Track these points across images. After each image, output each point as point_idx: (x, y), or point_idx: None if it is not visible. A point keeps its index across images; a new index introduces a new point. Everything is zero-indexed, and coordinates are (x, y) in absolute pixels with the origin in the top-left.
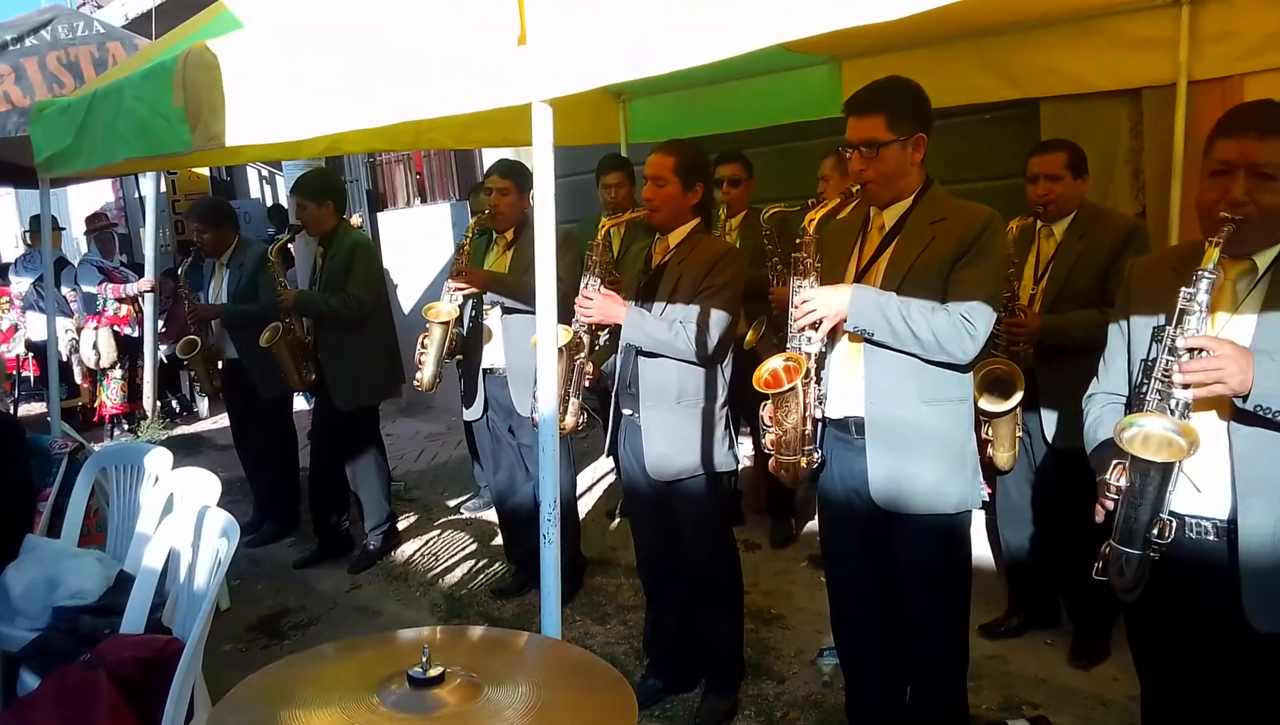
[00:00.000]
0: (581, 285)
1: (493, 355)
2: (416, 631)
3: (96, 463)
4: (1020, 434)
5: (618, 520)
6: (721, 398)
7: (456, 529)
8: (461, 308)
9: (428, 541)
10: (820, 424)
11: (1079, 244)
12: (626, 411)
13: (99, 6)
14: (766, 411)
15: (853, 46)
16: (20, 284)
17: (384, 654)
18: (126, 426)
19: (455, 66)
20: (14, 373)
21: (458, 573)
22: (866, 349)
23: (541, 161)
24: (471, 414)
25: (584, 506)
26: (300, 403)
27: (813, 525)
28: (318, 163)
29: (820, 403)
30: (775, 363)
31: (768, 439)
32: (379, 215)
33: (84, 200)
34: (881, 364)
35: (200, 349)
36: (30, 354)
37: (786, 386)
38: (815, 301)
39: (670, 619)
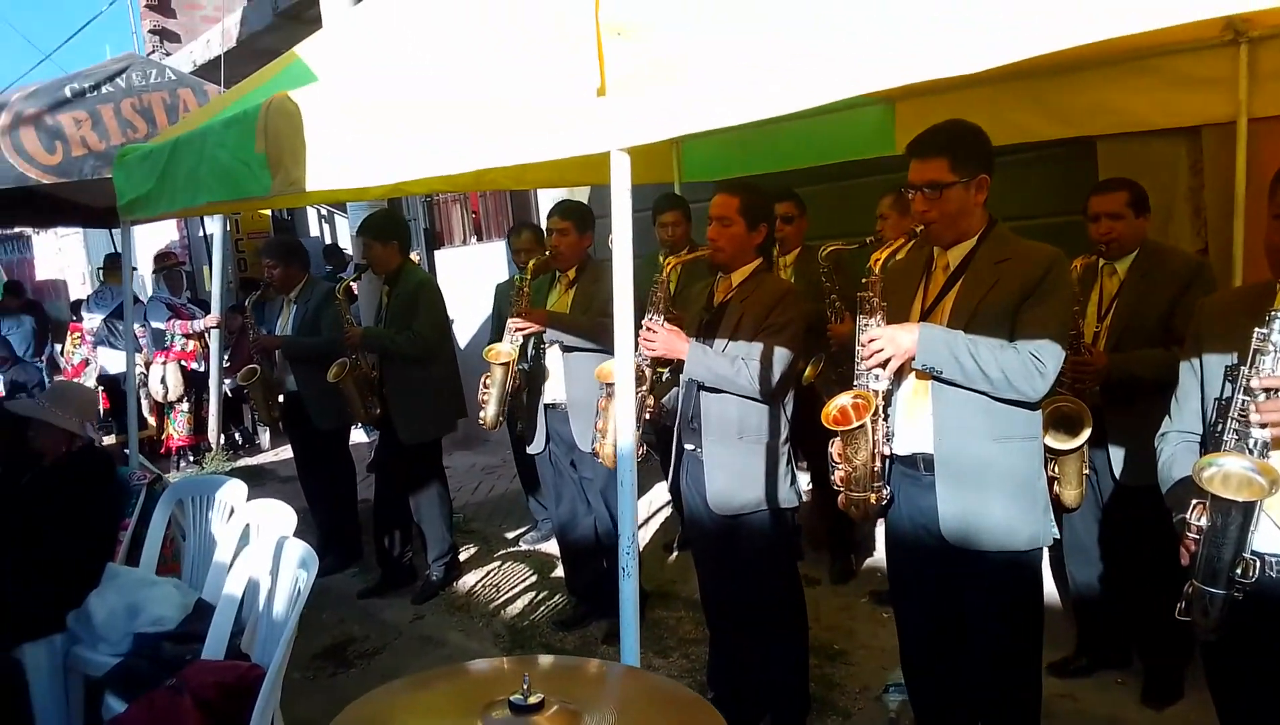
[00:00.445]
0: (645, 319)
1: (554, 390)
2: (493, 661)
3: (174, 494)
4: (1087, 471)
5: (676, 553)
6: (784, 433)
7: (516, 561)
8: (524, 346)
9: (489, 573)
10: (888, 460)
11: (1142, 282)
12: (689, 446)
13: (168, 54)
14: (835, 448)
15: (906, 87)
16: (92, 320)
17: (472, 683)
18: (192, 458)
19: (536, 116)
20: None
21: (519, 604)
22: (934, 386)
23: (619, 207)
24: (534, 448)
25: (641, 538)
26: (359, 435)
27: (872, 561)
28: (380, 204)
29: (888, 440)
30: (844, 400)
31: (836, 475)
32: (436, 253)
33: (150, 239)
34: (950, 401)
35: (260, 377)
36: (101, 388)
37: (855, 424)
38: (883, 340)
39: (734, 654)
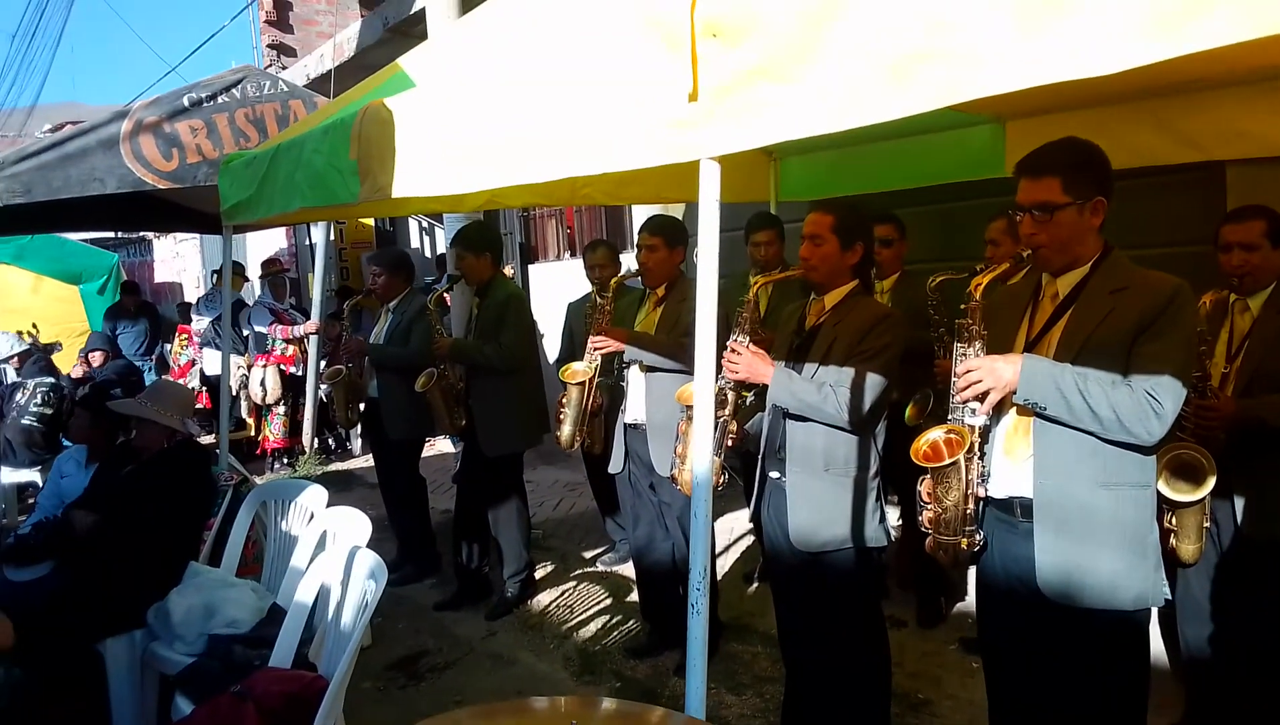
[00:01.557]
0: (730, 341)
1: (635, 410)
2: (556, 702)
3: (258, 496)
4: (1207, 524)
5: (756, 584)
6: (873, 467)
7: (592, 582)
8: (609, 365)
9: (563, 592)
10: (982, 503)
11: (1278, 320)
12: (773, 474)
13: (284, 68)
14: (925, 486)
15: (1018, 106)
16: (200, 322)
17: (530, 720)
18: (286, 460)
19: (625, 123)
20: None
21: (592, 627)
22: (1036, 424)
23: (707, 218)
24: (613, 467)
25: (721, 566)
26: (445, 445)
27: (964, 605)
28: (476, 216)
29: (983, 480)
30: (936, 434)
31: (925, 516)
32: (531, 267)
33: (261, 246)
34: (1053, 441)
35: (344, 378)
36: (204, 387)
37: (948, 461)
38: (981, 371)
39: (812, 697)
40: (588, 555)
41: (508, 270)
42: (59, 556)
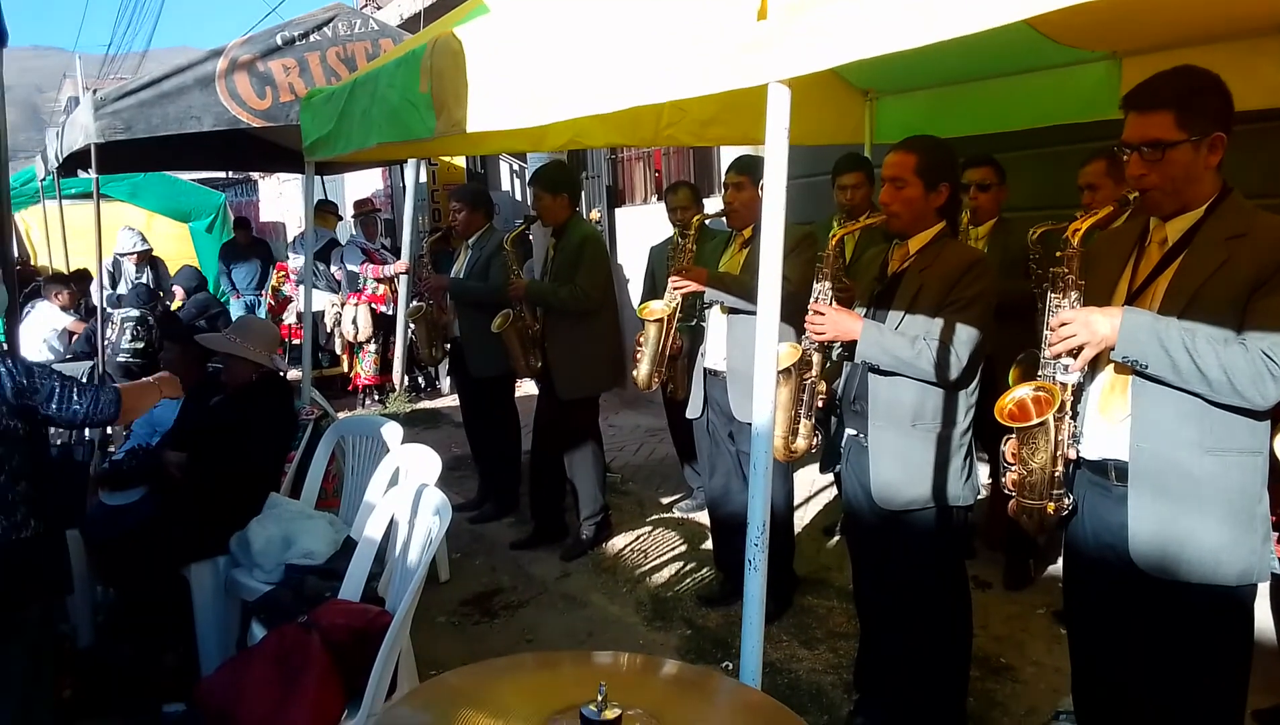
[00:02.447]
0: (811, 298)
1: (715, 356)
2: (611, 657)
3: (336, 431)
4: None
5: (836, 538)
6: (964, 423)
7: (668, 528)
8: (690, 307)
9: (639, 537)
10: (1073, 465)
11: None
12: (851, 431)
13: (379, 7)
14: (1009, 447)
15: (1137, 40)
16: (298, 260)
17: (574, 675)
18: (377, 397)
19: (690, 46)
20: (285, 339)
21: (665, 573)
22: (1135, 382)
23: (774, 149)
24: (692, 412)
25: (801, 519)
26: (530, 387)
27: (1055, 568)
28: (561, 156)
29: (1075, 441)
30: (1023, 392)
31: (1008, 478)
32: (618, 211)
33: (358, 187)
34: (1154, 401)
35: (424, 314)
36: (299, 324)
37: (1035, 421)
38: (1076, 324)
39: (887, 656)
40: (665, 501)
41: (594, 214)
42: (150, 483)
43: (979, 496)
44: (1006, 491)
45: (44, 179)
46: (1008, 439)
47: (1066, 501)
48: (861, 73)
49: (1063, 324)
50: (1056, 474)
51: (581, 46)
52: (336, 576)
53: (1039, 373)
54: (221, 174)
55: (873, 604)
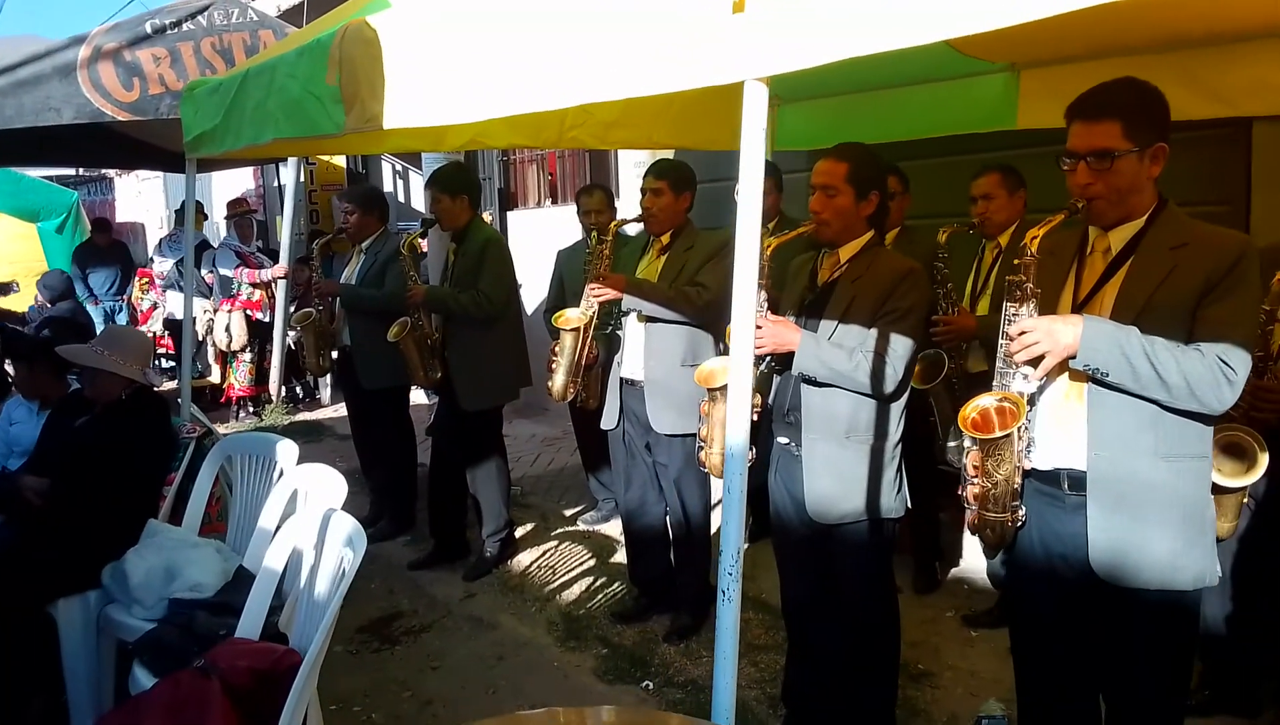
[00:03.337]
0: None
1: (632, 365)
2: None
3: (223, 450)
4: (1246, 500)
5: (745, 545)
6: (895, 435)
7: (574, 542)
8: (605, 315)
9: (545, 553)
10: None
11: None
12: (782, 439)
13: None
14: (971, 458)
15: (1036, 52)
16: (163, 264)
17: None
18: (252, 409)
19: (656, 39)
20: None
21: (575, 589)
22: (1091, 391)
23: (751, 152)
24: (607, 423)
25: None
26: (419, 396)
27: (957, 570)
28: (457, 156)
29: (1027, 451)
30: (986, 401)
31: (970, 492)
32: (509, 214)
33: (227, 186)
34: (1111, 409)
35: (313, 322)
36: (167, 332)
37: (1000, 433)
38: (1038, 332)
39: (817, 670)
40: (568, 513)
41: (485, 216)
42: (7, 511)
43: (909, 510)
44: (967, 505)
45: None
46: (969, 450)
47: (1021, 513)
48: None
49: (1023, 333)
50: (1017, 486)
51: (528, 36)
52: (230, 611)
53: (996, 382)
54: (72, 171)
55: (803, 618)
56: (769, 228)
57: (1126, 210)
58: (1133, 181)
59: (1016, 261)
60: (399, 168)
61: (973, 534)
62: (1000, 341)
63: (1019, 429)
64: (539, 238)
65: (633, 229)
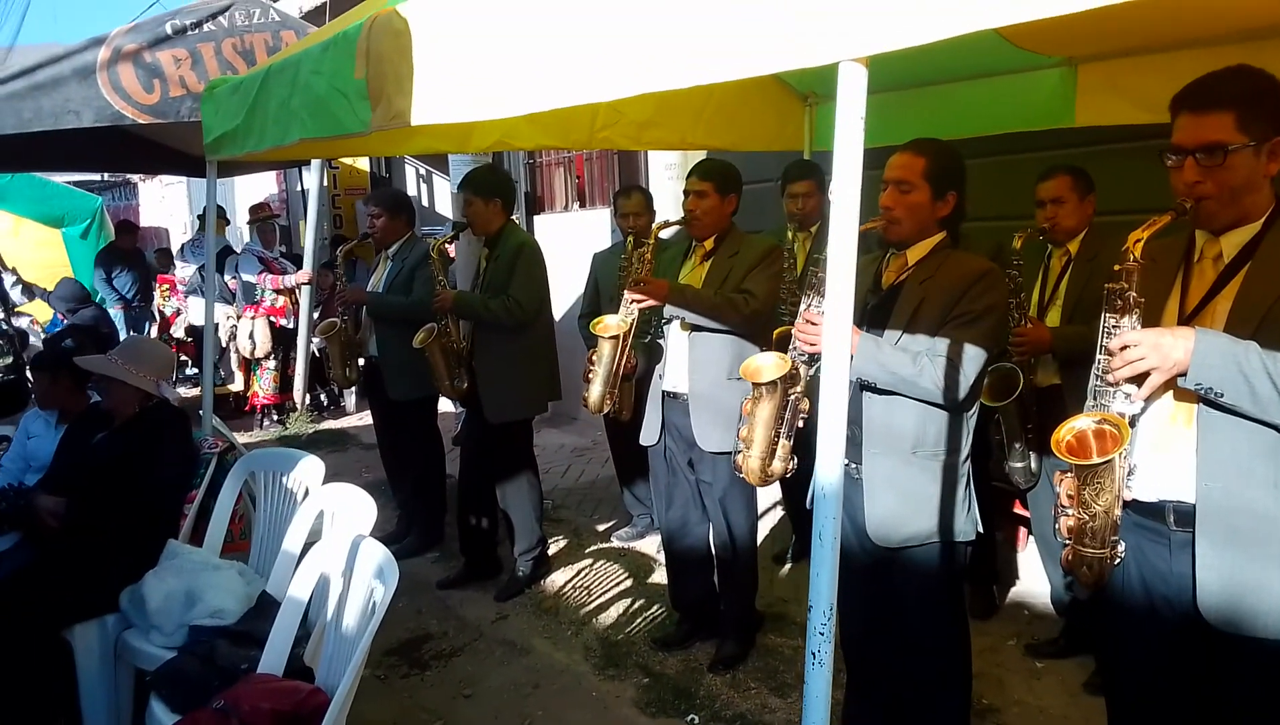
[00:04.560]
0: (801, 306)
1: (675, 377)
2: None
3: (246, 466)
4: None
5: (790, 565)
6: (966, 449)
7: (610, 560)
8: (645, 323)
9: (580, 572)
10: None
11: None
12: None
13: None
14: (1066, 486)
15: (1094, 46)
16: (185, 269)
17: None
18: (276, 417)
19: (736, 15)
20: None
21: (613, 612)
22: (1201, 413)
23: (847, 143)
24: (647, 438)
25: None
26: (446, 404)
27: (1015, 593)
28: (485, 158)
29: (1127, 480)
30: (1083, 423)
31: (1063, 523)
32: (535, 218)
33: (249, 191)
34: (1224, 435)
35: (338, 332)
36: (190, 340)
37: (1100, 459)
38: (1144, 346)
39: (882, 707)
40: (601, 528)
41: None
42: (23, 529)
43: (980, 532)
44: (1062, 539)
45: None
46: (1063, 478)
47: (1120, 548)
48: (804, 76)
49: (1125, 347)
50: (1116, 518)
51: (579, 19)
52: (253, 641)
53: (1091, 402)
54: (97, 176)
55: (865, 649)
56: (810, 232)
57: (1240, 212)
58: (1247, 179)
59: (1117, 267)
60: (423, 172)
61: (1067, 573)
62: (1098, 356)
63: (1120, 455)
64: (567, 243)
65: (667, 233)
